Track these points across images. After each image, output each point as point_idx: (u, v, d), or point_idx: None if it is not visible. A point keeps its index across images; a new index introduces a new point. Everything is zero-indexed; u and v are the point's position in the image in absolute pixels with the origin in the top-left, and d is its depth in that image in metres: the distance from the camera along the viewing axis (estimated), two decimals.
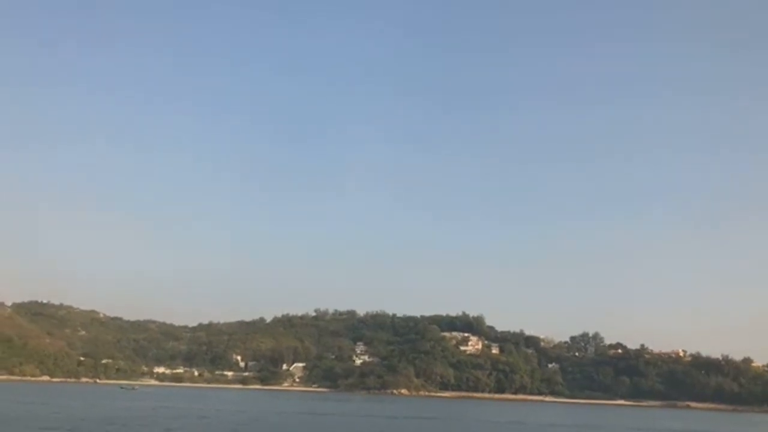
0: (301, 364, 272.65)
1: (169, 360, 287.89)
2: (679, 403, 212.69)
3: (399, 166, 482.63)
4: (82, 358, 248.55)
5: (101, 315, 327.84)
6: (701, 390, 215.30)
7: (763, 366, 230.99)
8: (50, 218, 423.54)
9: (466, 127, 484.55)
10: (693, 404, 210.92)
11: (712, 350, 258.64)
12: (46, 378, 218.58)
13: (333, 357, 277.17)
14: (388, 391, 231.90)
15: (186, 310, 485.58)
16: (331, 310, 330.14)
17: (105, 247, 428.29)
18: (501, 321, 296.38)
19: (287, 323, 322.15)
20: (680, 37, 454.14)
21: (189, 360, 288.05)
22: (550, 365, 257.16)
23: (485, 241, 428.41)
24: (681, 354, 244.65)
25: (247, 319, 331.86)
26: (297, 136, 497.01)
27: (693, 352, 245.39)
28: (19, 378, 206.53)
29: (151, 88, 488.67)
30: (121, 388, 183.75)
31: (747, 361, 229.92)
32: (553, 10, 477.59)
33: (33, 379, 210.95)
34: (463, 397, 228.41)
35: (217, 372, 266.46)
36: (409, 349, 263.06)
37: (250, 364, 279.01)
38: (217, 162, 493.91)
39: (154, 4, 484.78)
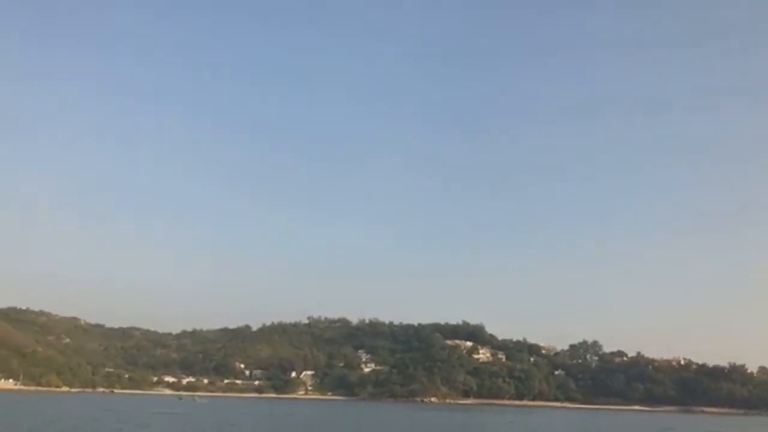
0: (310, 372, 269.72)
1: (163, 368, 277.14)
2: (694, 408, 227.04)
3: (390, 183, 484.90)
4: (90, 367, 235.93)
5: (82, 322, 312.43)
6: (713, 395, 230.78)
7: (755, 372, 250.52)
8: (28, 223, 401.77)
9: (460, 142, 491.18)
10: (707, 409, 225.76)
11: (702, 356, 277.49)
12: (66, 389, 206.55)
13: (342, 365, 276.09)
14: (417, 399, 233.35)
15: (164, 317, 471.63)
16: (322, 318, 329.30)
17: (84, 253, 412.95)
18: (494, 329, 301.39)
19: (281, 331, 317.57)
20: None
21: (187, 368, 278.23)
22: (556, 372, 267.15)
23: (471, 250, 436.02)
24: (682, 361, 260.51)
25: (231, 326, 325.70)
26: (277, 145, 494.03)
27: (686, 357, 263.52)
28: (46, 389, 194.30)
29: (161, 97, 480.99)
30: (180, 399, 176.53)
31: (742, 367, 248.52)
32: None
33: (57, 390, 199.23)
34: (487, 404, 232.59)
35: (227, 381, 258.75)
36: (421, 357, 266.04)
37: (255, 372, 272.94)
38: (195, 165, 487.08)
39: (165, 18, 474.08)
